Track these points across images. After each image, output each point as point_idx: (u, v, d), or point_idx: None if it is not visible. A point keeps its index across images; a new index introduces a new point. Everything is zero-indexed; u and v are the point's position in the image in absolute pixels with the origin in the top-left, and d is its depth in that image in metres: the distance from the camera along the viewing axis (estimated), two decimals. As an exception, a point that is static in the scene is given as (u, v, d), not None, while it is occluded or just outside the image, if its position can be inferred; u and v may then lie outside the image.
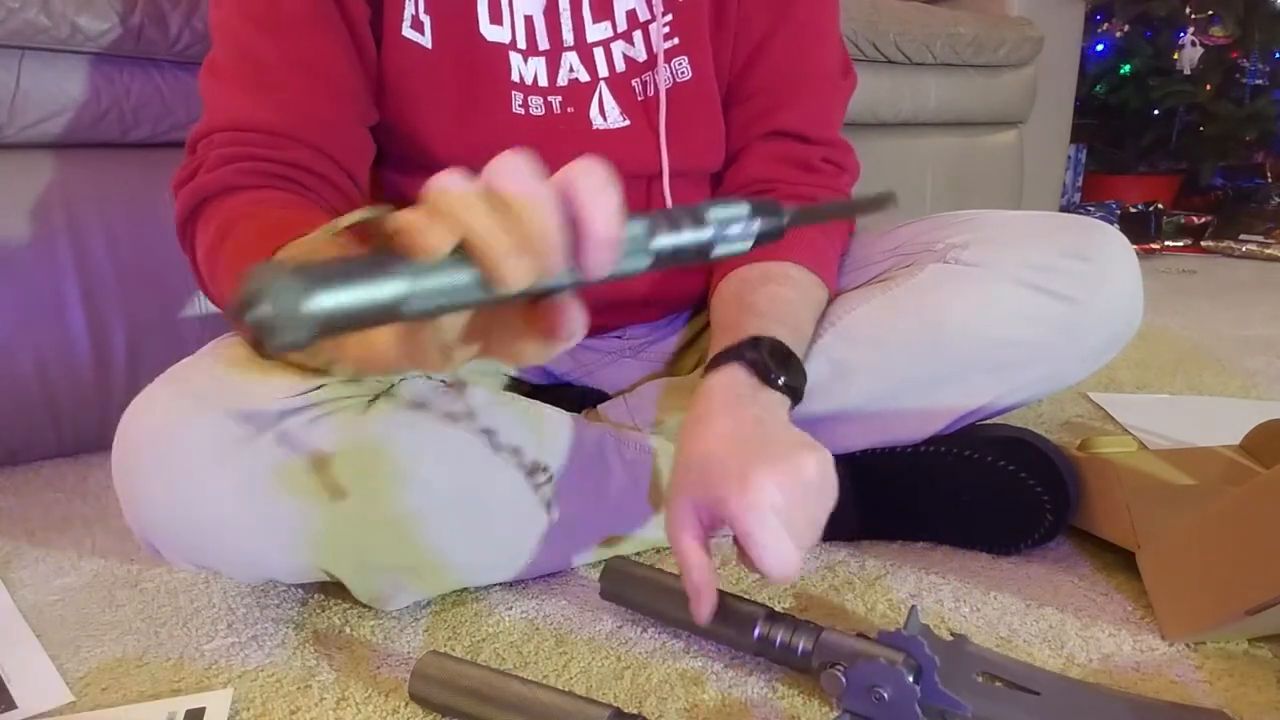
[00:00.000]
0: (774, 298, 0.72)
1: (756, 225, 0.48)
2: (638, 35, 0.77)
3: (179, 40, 1.02)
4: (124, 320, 1.06)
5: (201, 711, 0.59)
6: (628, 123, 0.77)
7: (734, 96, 0.82)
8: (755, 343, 0.66)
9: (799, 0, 0.80)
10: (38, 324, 1.01)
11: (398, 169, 0.78)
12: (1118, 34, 2.72)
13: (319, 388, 0.62)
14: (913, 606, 0.60)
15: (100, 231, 1.03)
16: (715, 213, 0.47)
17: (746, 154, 0.82)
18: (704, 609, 0.58)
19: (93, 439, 1.07)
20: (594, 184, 0.37)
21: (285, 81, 0.68)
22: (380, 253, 0.36)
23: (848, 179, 0.85)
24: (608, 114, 0.77)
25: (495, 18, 0.73)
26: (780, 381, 0.64)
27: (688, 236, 0.46)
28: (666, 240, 0.45)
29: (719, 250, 0.48)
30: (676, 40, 0.77)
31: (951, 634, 0.64)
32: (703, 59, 0.78)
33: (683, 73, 0.78)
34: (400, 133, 0.75)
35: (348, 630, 0.69)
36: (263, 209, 0.63)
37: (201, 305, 1.09)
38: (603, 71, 0.77)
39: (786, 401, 0.65)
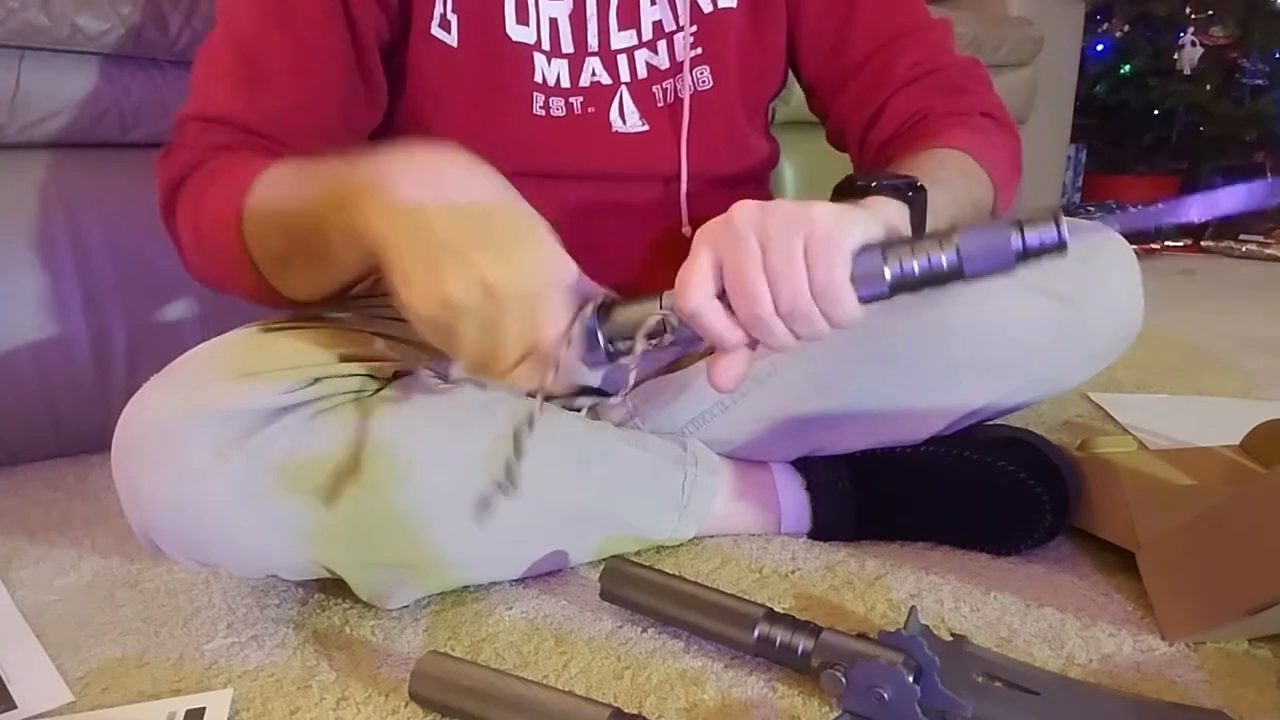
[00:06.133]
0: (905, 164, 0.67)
1: (1017, 240, 0.47)
2: (662, 45, 0.77)
3: (179, 40, 1.02)
4: (124, 320, 1.06)
5: (201, 711, 0.59)
6: (646, 127, 0.78)
7: (837, 73, 0.80)
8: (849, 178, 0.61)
9: None
10: (38, 324, 1.01)
11: None
12: (1118, 34, 2.72)
13: (317, 382, 0.62)
14: (913, 607, 0.60)
15: (100, 231, 1.03)
16: (964, 234, 0.48)
17: (883, 112, 0.78)
18: (734, 374, 0.54)
19: (93, 439, 1.07)
20: None
21: (279, 83, 0.68)
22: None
23: (995, 96, 0.81)
24: (627, 117, 0.77)
25: (522, 18, 0.73)
26: (872, 184, 0.58)
27: (928, 260, 0.48)
28: (904, 266, 0.48)
29: (972, 271, 0.48)
30: (700, 50, 0.77)
31: (951, 634, 0.64)
32: (724, 69, 0.78)
33: (704, 81, 0.78)
34: (416, 133, 0.75)
35: (348, 630, 0.69)
36: (226, 172, 0.64)
37: (201, 305, 1.09)
38: (624, 76, 0.77)
39: (887, 202, 0.58)
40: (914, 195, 0.59)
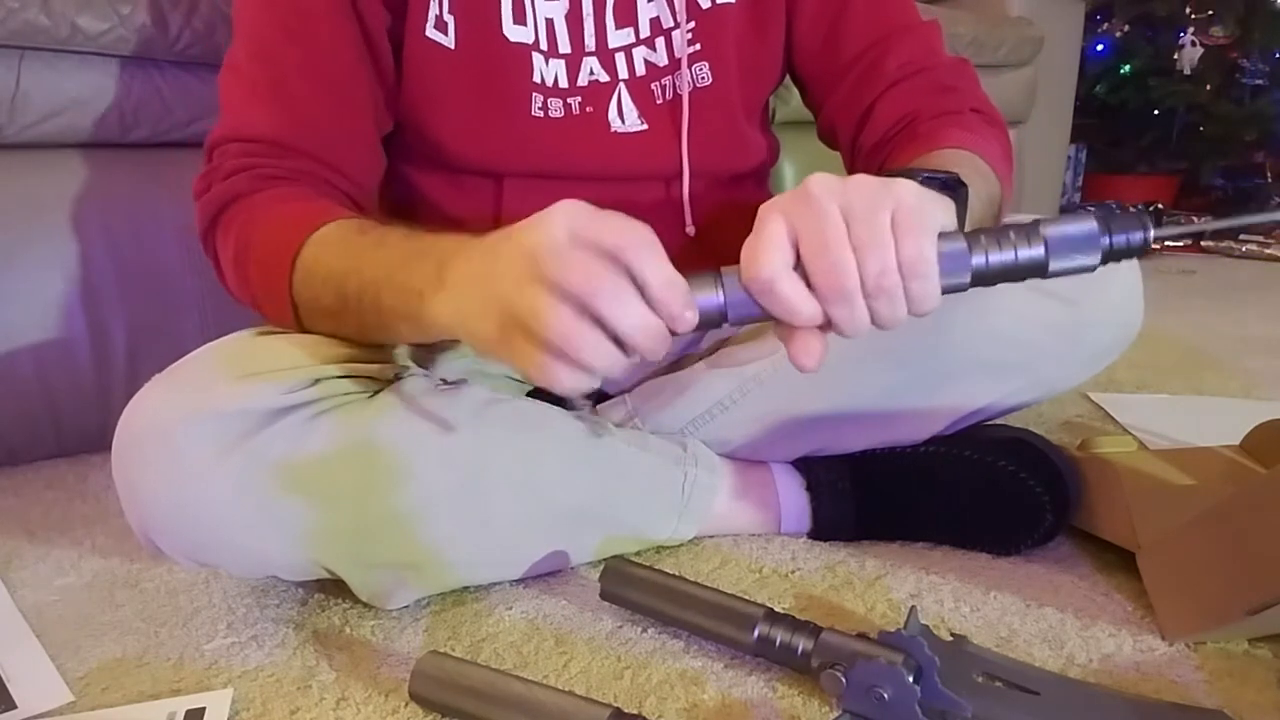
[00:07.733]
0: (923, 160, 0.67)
1: (1105, 239, 0.47)
2: (660, 41, 0.77)
3: (179, 40, 1.02)
4: (124, 320, 1.06)
5: (201, 711, 0.59)
6: (645, 126, 0.77)
7: (829, 71, 0.81)
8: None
9: None
10: (38, 324, 1.01)
11: (413, 165, 0.79)
12: (1118, 34, 2.72)
13: (318, 383, 0.62)
14: (913, 607, 0.60)
15: (100, 231, 1.03)
16: (1051, 228, 0.47)
17: (873, 112, 0.78)
18: (817, 351, 0.50)
19: (93, 439, 1.07)
20: None
21: (302, 94, 0.70)
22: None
23: (983, 94, 0.81)
24: (625, 116, 0.77)
25: (519, 18, 0.73)
26: (919, 177, 0.55)
27: (1014, 254, 0.47)
28: (988, 257, 0.48)
29: (1057, 266, 0.48)
30: (698, 46, 0.77)
31: (951, 634, 0.64)
32: (724, 65, 0.78)
33: (703, 78, 0.78)
34: (417, 132, 0.76)
35: (348, 630, 0.69)
36: (274, 208, 0.66)
37: (201, 304, 1.09)
38: (622, 74, 0.77)
39: (934, 197, 0.54)
40: (958, 190, 0.57)
